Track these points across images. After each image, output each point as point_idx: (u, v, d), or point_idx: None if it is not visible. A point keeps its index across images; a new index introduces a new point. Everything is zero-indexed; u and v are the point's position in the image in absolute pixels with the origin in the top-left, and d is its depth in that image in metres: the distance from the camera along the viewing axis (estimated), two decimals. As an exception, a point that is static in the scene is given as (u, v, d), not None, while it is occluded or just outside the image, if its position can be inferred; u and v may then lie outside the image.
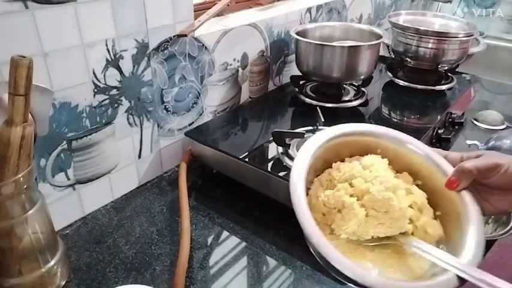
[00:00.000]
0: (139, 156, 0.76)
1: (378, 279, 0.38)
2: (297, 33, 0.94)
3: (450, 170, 0.44)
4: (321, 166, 0.49)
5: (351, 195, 0.44)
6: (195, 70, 0.80)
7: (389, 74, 1.10)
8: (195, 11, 0.76)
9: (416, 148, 0.49)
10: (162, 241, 0.64)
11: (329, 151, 0.49)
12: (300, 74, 0.98)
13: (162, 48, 0.72)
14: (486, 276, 0.34)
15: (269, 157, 0.74)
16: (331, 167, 0.49)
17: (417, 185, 0.47)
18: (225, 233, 0.66)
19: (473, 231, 0.40)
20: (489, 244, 0.50)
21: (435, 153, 0.47)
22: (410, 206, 0.44)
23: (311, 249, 0.40)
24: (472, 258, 0.38)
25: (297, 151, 0.72)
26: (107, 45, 0.63)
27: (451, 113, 0.97)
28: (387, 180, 0.43)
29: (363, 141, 0.50)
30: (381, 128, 0.51)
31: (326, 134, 0.49)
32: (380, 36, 0.94)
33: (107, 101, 0.66)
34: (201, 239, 0.64)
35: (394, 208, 0.42)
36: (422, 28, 1.02)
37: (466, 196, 0.43)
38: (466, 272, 0.36)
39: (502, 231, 0.48)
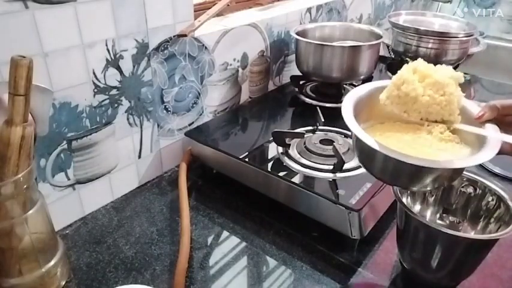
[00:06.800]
0: (140, 156, 0.76)
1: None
2: (297, 33, 0.94)
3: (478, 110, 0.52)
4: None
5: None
6: (195, 70, 0.80)
7: (389, 74, 1.10)
8: (195, 11, 0.76)
9: None
10: (162, 241, 0.64)
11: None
12: (300, 74, 0.98)
13: (162, 48, 0.72)
14: None
15: (269, 157, 0.74)
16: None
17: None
18: (225, 233, 0.66)
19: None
20: (490, 244, 0.51)
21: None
22: None
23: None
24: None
25: (297, 151, 0.72)
26: (107, 45, 0.63)
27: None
28: (452, 70, 0.51)
29: None
30: None
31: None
32: (380, 36, 0.94)
33: (107, 101, 0.66)
34: (201, 239, 0.64)
35: (451, 92, 0.49)
36: (422, 28, 1.02)
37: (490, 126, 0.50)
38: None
39: (504, 231, 0.48)
